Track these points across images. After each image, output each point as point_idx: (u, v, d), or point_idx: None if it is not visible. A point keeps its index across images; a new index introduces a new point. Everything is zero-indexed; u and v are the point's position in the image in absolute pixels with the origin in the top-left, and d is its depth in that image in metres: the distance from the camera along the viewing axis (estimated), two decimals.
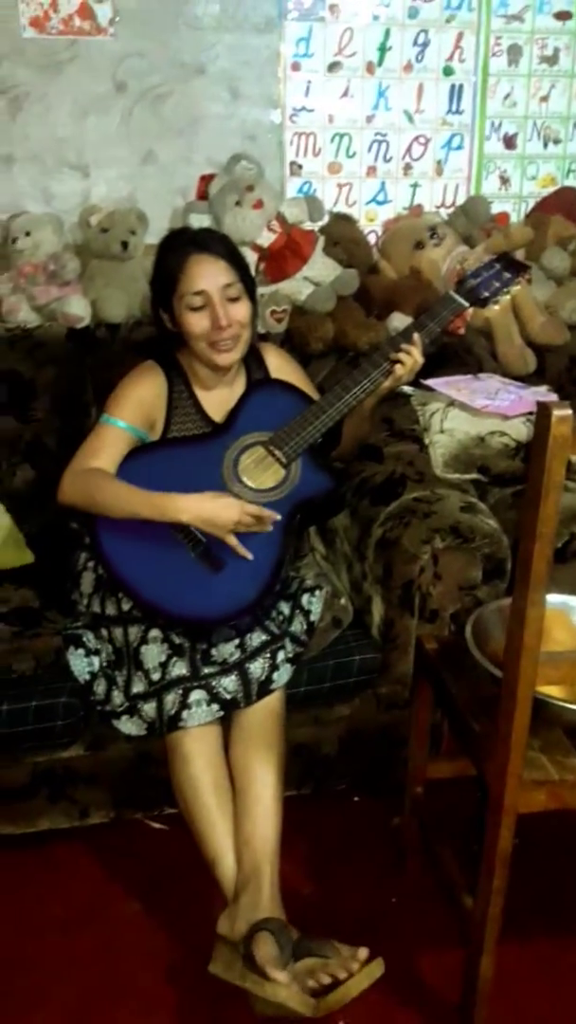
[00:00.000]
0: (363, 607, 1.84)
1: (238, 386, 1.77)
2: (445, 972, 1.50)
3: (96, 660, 1.66)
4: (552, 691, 1.29)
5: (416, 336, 1.64)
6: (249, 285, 1.68)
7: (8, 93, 2.23)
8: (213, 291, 1.60)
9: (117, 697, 1.61)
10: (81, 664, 1.65)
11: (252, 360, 1.80)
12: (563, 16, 2.51)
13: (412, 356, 1.63)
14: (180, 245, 1.65)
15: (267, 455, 1.66)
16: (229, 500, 1.56)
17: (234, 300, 1.63)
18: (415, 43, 2.43)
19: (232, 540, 1.56)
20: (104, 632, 1.66)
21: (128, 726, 1.59)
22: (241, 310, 1.64)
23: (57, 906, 1.65)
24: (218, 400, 1.74)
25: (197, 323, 1.63)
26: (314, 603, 1.72)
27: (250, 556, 1.57)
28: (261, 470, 1.66)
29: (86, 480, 1.60)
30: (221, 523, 1.54)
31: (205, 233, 1.72)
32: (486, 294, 1.71)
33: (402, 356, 1.63)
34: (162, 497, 1.55)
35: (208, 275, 1.61)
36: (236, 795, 1.51)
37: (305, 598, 1.72)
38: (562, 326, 2.37)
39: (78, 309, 2.13)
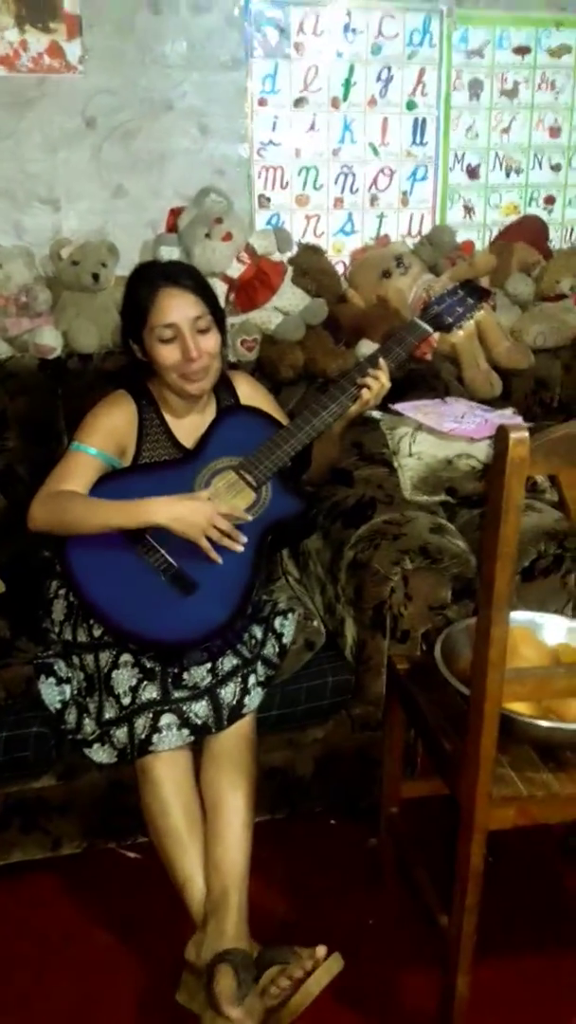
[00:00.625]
0: (336, 629, 1.86)
1: (208, 413, 1.80)
2: (423, 991, 1.50)
3: (67, 688, 1.65)
4: (520, 707, 1.31)
5: (382, 361, 1.68)
6: (218, 316, 1.71)
7: None
8: (183, 324, 1.63)
9: (88, 725, 1.60)
10: (52, 693, 1.65)
11: (222, 388, 1.83)
12: (522, 51, 2.59)
13: (379, 381, 1.67)
14: (150, 278, 1.68)
15: (238, 479, 1.68)
16: (202, 501, 1.58)
17: (204, 332, 1.66)
18: (378, 78, 2.50)
19: (205, 543, 1.57)
20: (75, 660, 1.66)
21: (100, 754, 1.59)
22: (211, 341, 1.67)
23: (30, 938, 1.64)
24: (189, 427, 1.77)
25: (168, 355, 1.65)
26: (287, 626, 1.74)
27: (220, 560, 1.58)
28: (232, 494, 1.68)
29: (55, 501, 1.61)
30: (195, 521, 1.55)
31: (174, 266, 1.76)
32: (450, 320, 1.75)
33: (369, 381, 1.66)
34: (134, 503, 1.56)
35: (178, 308, 1.63)
36: (207, 820, 1.50)
37: (278, 621, 1.74)
38: (526, 350, 2.43)
39: (50, 340, 2.15)
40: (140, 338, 1.68)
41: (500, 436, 1.11)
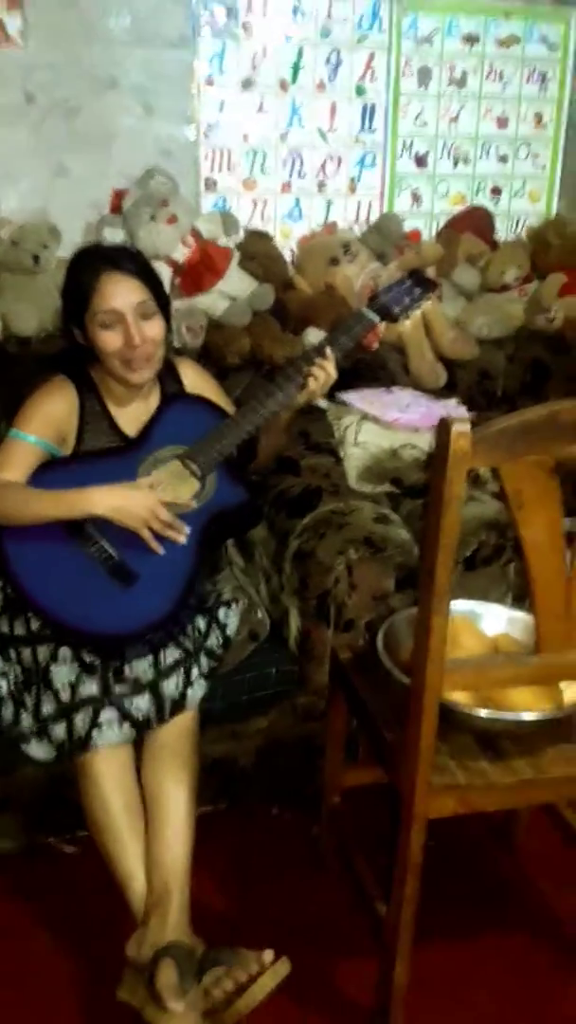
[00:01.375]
0: (280, 619, 1.85)
1: (152, 400, 1.76)
2: (362, 980, 1.51)
3: (3, 683, 1.61)
4: (460, 697, 1.32)
5: (329, 351, 1.66)
6: (163, 302, 1.67)
7: None
8: (126, 310, 1.59)
9: (26, 720, 1.57)
10: None
11: (167, 374, 1.79)
12: (471, 40, 2.59)
13: (325, 370, 1.65)
14: (92, 262, 1.63)
15: (182, 468, 1.65)
16: (144, 490, 1.55)
17: (147, 318, 1.62)
18: (327, 62, 2.48)
19: (146, 534, 1.54)
20: (12, 654, 1.62)
21: (37, 750, 1.55)
22: (154, 328, 1.63)
23: None
24: (132, 415, 1.73)
25: (110, 341, 1.61)
26: (230, 616, 1.72)
27: (162, 551, 1.56)
28: (176, 483, 1.65)
29: None
30: (136, 512, 1.53)
31: (118, 250, 1.71)
32: (397, 310, 1.74)
33: (315, 371, 1.65)
34: (72, 493, 1.52)
35: (121, 293, 1.59)
36: (148, 815, 1.48)
37: (222, 612, 1.72)
38: (472, 341, 2.44)
39: None
40: (82, 323, 1.64)
41: (442, 429, 1.11)
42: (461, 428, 1.10)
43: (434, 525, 1.14)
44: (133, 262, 1.64)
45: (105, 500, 1.52)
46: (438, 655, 1.19)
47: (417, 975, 1.40)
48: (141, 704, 1.51)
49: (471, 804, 1.31)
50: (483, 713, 1.29)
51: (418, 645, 1.21)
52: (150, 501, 1.54)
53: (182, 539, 1.58)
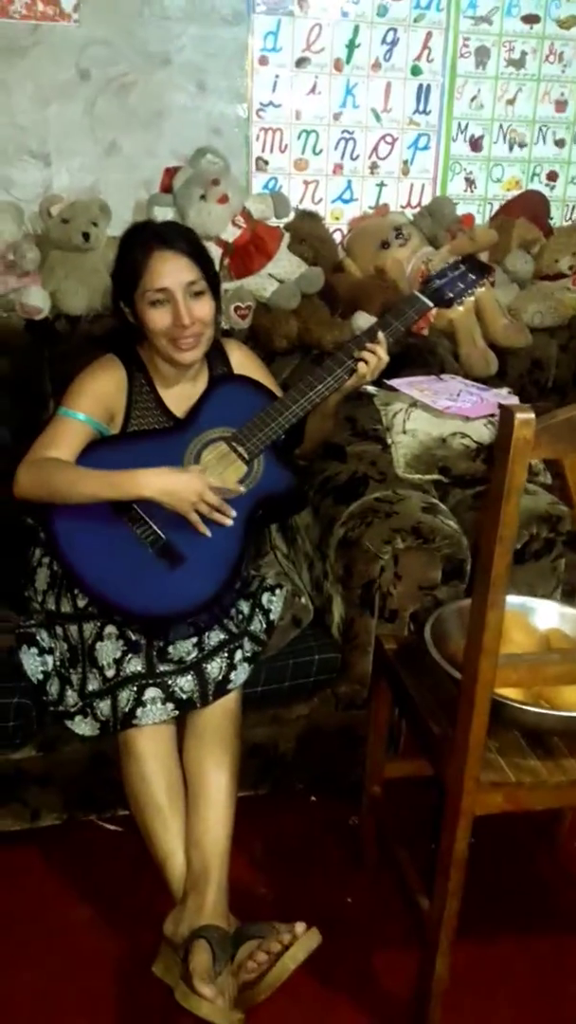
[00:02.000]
0: (323, 606, 1.83)
1: (200, 382, 1.75)
2: (399, 971, 1.50)
3: (50, 659, 1.62)
4: (510, 693, 1.29)
5: (381, 335, 1.64)
6: (213, 282, 1.65)
7: None
8: (176, 288, 1.58)
9: (71, 697, 1.58)
10: (34, 663, 1.62)
11: (215, 356, 1.78)
12: (531, 20, 2.52)
13: (377, 355, 1.62)
14: (144, 239, 1.61)
15: (229, 451, 1.64)
16: (194, 473, 1.54)
17: (197, 297, 1.60)
18: (384, 41, 2.43)
19: (194, 517, 1.54)
20: (59, 630, 1.63)
21: (82, 726, 1.57)
22: (204, 307, 1.61)
23: (7, 909, 1.62)
24: (180, 395, 1.72)
25: (159, 319, 1.60)
26: (274, 602, 1.71)
27: (209, 533, 1.55)
28: (223, 466, 1.64)
29: (42, 469, 1.56)
30: (185, 496, 1.52)
31: (170, 227, 1.69)
32: (451, 295, 1.71)
33: (367, 355, 1.62)
34: (122, 474, 1.52)
35: (171, 272, 1.58)
36: (188, 796, 1.49)
37: (265, 597, 1.71)
38: (524, 329, 2.39)
39: (37, 300, 2.09)
40: (131, 301, 1.63)
41: (506, 417, 1.08)
42: (525, 417, 1.07)
43: (493, 516, 1.12)
44: (184, 240, 1.62)
45: (154, 483, 1.51)
46: (492, 650, 1.17)
47: (455, 970, 1.38)
48: (185, 684, 1.51)
49: (519, 802, 1.28)
50: (535, 709, 1.27)
51: (471, 639, 1.19)
52: (199, 485, 1.53)
53: (229, 522, 1.57)
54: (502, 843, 1.75)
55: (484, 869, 1.64)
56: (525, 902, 1.68)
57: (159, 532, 1.56)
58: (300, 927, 1.35)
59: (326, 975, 1.48)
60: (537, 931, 1.61)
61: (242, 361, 1.82)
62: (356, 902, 1.66)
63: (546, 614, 1.49)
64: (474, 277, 1.73)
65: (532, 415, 1.07)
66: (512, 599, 1.47)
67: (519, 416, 1.07)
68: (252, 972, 1.32)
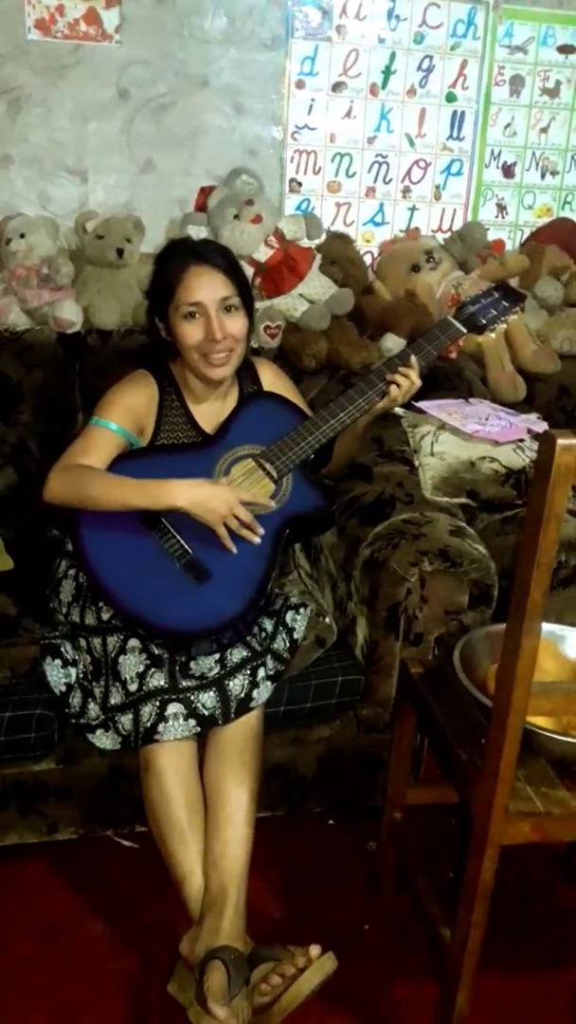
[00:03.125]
0: (347, 627, 1.82)
1: (230, 399, 1.75)
2: (418, 1002, 1.47)
3: (73, 671, 1.62)
4: (539, 721, 1.28)
5: (414, 359, 1.64)
6: (247, 299, 1.66)
7: (9, 94, 2.21)
8: (210, 303, 1.59)
9: (93, 710, 1.57)
10: (57, 675, 1.61)
11: (245, 374, 1.79)
12: (566, 50, 2.54)
13: (409, 379, 1.62)
14: (181, 254, 1.63)
15: (257, 468, 1.64)
16: (225, 487, 1.54)
17: (230, 313, 1.61)
18: (419, 68, 2.45)
19: (222, 531, 1.53)
20: (82, 642, 1.62)
21: (103, 740, 1.56)
22: (236, 323, 1.62)
23: (22, 922, 1.60)
24: (210, 413, 1.72)
25: (191, 333, 1.61)
26: (298, 621, 1.70)
27: (235, 549, 1.55)
28: (251, 483, 1.64)
29: (74, 474, 1.57)
30: (216, 507, 1.52)
31: (207, 244, 1.71)
32: (483, 321, 1.71)
33: (399, 378, 1.62)
34: (155, 484, 1.52)
35: (206, 287, 1.59)
36: (208, 814, 1.47)
37: (289, 615, 1.70)
38: (553, 355, 2.39)
39: (70, 314, 2.11)
40: (165, 315, 1.64)
41: (546, 442, 1.07)
42: (568, 442, 1.06)
43: (531, 542, 1.10)
44: (221, 257, 1.64)
45: (187, 493, 1.51)
46: (526, 677, 1.15)
47: (475, 1003, 1.35)
48: (207, 700, 1.50)
49: (547, 832, 1.26)
50: (568, 739, 1.25)
51: (505, 666, 1.17)
52: (231, 497, 1.53)
53: (256, 539, 1.57)
54: (523, 874, 1.72)
55: (504, 900, 1.61)
56: (548, 935, 1.64)
57: (186, 547, 1.56)
58: (315, 950, 1.33)
59: (342, 1003, 1.46)
60: (561, 965, 1.58)
61: (272, 380, 1.82)
62: (373, 929, 1.63)
63: None
64: (507, 304, 1.73)
65: (574, 440, 1.06)
66: (542, 627, 1.46)
67: (561, 442, 1.06)
68: (266, 995, 1.31)
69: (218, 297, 1.59)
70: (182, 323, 1.61)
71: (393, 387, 1.63)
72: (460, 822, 1.31)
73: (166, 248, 1.69)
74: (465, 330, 1.70)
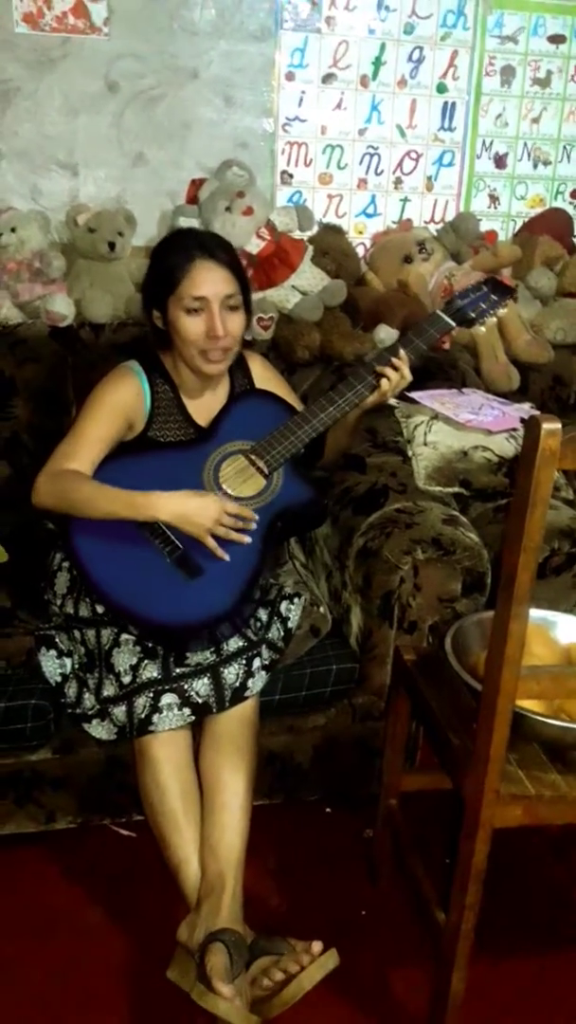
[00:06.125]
0: (342, 616, 1.83)
1: (221, 391, 1.76)
2: (414, 986, 1.49)
3: (68, 662, 1.63)
4: (531, 705, 1.28)
5: (403, 353, 1.64)
6: (247, 297, 1.66)
7: None
8: (214, 299, 1.58)
9: (88, 700, 1.58)
10: (53, 666, 1.62)
11: (236, 367, 1.78)
12: (557, 39, 2.54)
13: (399, 372, 1.63)
14: (186, 246, 1.61)
15: (248, 465, 1.64)
16: (210, 499, 1.54)
17: (232, 311, 1.61)
18: (410, 59, 2.45)
19: (210, 542, 1.53)
20: (77, 634, 1.63)
21: (99, 730, 1.57)
22: (237, 322, 1.62)
23: (20, 911, 1.61)
24: (202, 405, 1.73)
25: (192, 328, 1.60)
26: (292, 610, 1.71)
27: (227, 557, 1.55)
28: (242, 480, 1.64)
29: (61, 481, 1.57)
30: (199, 521, 1.52)
31: (212, 238, 1.69)
32: (472, 315, 1.72)
33: (388, 372, 1.62)
34: (139, 496, 1.52)
35: (212, 282, 1.58)
36: (204, 802, 1.48)
37: (284, 605, 1.71)
38: (546, 345, 2.39)
39: (62, 308, 2.11)
40: (164, 306, 1.63)
41: (532, 426, 1.07)
42: (552, 427, 1.07)
43: (518, 526, 1.11)
44: (226, 253, 1.63)
45: (169, 506, 1.51)
46: (515, 660, 1.16)
47: (470, 985, 1.36)
48: (201, 687, 1.51)
49: (538, 815, 1.27)
50: (558, 723, 1.26)
51: (494, 649, 1.18)
52: (214, 511, 1.52)
53: (247, 540, 1.57)
54: (516, 858, 1.73)
55: (500, 884, 1.62)
56: (542, 917, 1.65)
57: (177, 543, 1.56)
58: (317, 946, 1.33)
59: (340, 988, 1.46)
60: (555, 947, 1.59)
61: (263, 374, 1.83)
62: (370, 915, 1.64)
63: (568, 628, 1.48)
64: (496, 298, 1.73)
65: (559, 425, 1.07)
66: (534, 613, 1.47)
67: (546, 426, 1.06)
68: (266, 989, 1.31)
69: (222, 294, 1.59)
70: (183, 316, 1.60)
71: (383, 381, 1.63)
72: (455, 808, 1.31)
73: (169, 238, 1.68)
74: (454, 324, 1.70)
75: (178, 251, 1.61)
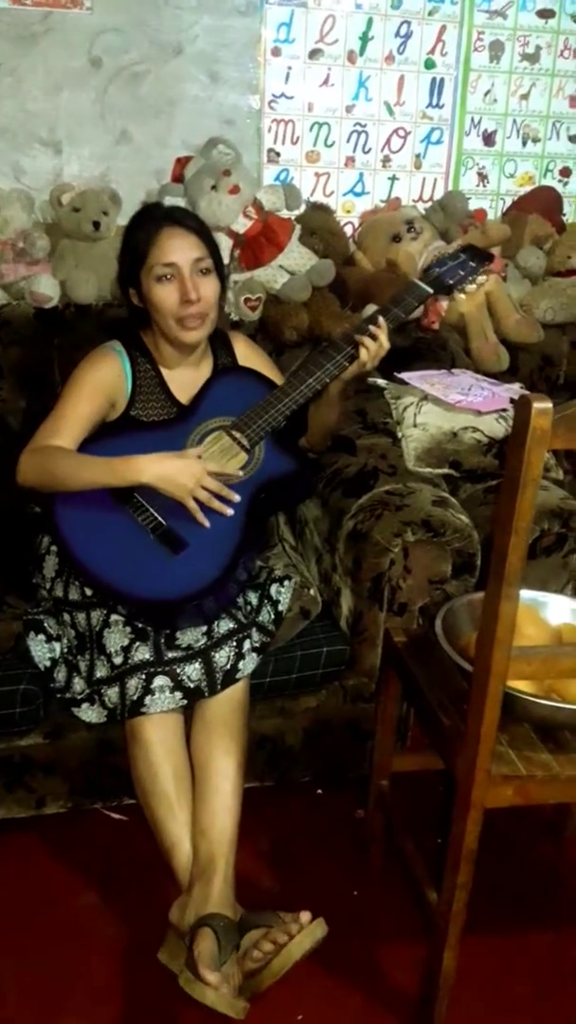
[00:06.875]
0: (332, 599, 1.83)
1: (204, 368, 1.75)
2: (406, 965, 1.50)
3: (57, 646, 1.62)
4: (521, 686, 1.28)
5: (381, 320, 1.63)
6: (218, 263, 1.66)
7: None
8: (183, 264, 1.58)
9: (78, 684, 1.57)
10: (42, 650, 1.61)
11: (220, 347, 1.78)
12: (546, 14, 2.51)
13: (377, 340, 1.61)
14: (153, 217, 1.64)
15: (231, 443, 1.63)
16: (192, 459, 1.54)
17: (204, 275, 1.61)
18: (397, 34, 2.42)
19: (192, 504, 1.53)
20: (66, 617, 1.62)
21: (89, 713, 1.56)
22: (210, 287, 1.62)
23: (12, 896, 1.61)
24: (184, 381, 1.72)
25: (166, 296, 1.59)
26: (283, 593, 1.70)
27: (207, 523, 1.54)
28: (225, 455, 1.63)
29: (43, 456, 1.56)
30: (182, 481, 1.51)
31: (178, 208, 1.73)
32: (450, 282, 1.70)
33: (367, 340, 1.61)
34: (120, 461, 1.51)
35: (180, 248, 1.59)
36: (196, 785, 1.48)
37: (274, 588, 1.70)
38: (536, 324, 2.38)
39: (47, 288, 2.08)
40: (138, 282, 1.62)
41: (523, 406, 1.07)
42: (542, 406, 1.06)
43: (508, 507, 1.11)
44: (193, 219, 1.65)
45: (151, 468, 1.51)
46: (505, 641, 1.16)
47: (462, 964, 1.37)
48: (192, 672, 1.50)
49: (530, 795, 1.27)
50: (548, 703, 1.26)
51: (484, 630, 1.18)
52: (195, 470, 1.52)
53: (228, 511, 1.56)
54: (510, 838, 1.74)
55: (492, 864, 1.63)
56: (533, 897, 1.67)
57: (160, 518, 1.55)
58: (306, 916, 1.34)
59: (332, 968, 1.48)
60: (546, 926, 1.61)
61: (247, 353, 1.82)
62: (362, 895, 1.65)
63: (558, 609, 1.48)
64: (474, 265, 1.72)
65: (549, 404, 1.06)
66: (524, 593, 1.46)
67: (536, 405, 1.06)
68: (257, 961, 1.32)
69: (191, 258, 1.59)
70: (155, 286, 1.60)
71: (362, 350, 1.61)
72: (447, 788, 1.31)
73: (138, 213, 1.68)
74: (431, 291, 1.69)
75: (146, 223, 1.62)
